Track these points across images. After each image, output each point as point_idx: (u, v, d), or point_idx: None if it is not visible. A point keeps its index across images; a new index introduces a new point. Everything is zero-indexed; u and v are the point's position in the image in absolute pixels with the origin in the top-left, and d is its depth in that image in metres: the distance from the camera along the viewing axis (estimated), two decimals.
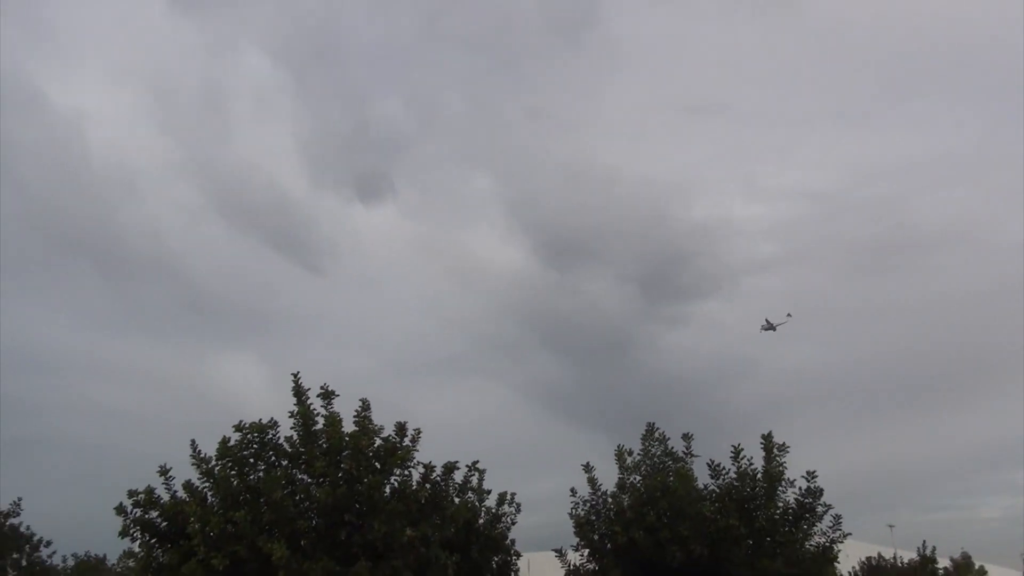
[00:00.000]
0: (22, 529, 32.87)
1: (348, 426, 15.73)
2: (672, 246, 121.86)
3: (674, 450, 18.44)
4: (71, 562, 38.25)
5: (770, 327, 51.67)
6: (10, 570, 32.32)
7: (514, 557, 17.49)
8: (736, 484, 17.35)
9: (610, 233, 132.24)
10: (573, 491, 18.38)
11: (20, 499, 31.54)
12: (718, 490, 17.48)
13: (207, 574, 13.79)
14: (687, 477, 17.30)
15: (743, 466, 17.56)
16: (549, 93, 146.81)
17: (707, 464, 17.88)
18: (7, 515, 31.20)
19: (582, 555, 17.89)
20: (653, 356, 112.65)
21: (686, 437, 18.41)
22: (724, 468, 17.73)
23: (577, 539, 17.88)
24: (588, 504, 18.19)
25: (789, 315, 51.82)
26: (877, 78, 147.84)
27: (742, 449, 17.67)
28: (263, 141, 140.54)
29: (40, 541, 33.56)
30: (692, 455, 18.21)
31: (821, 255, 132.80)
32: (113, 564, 39.20)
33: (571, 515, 18.12)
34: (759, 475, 17.33)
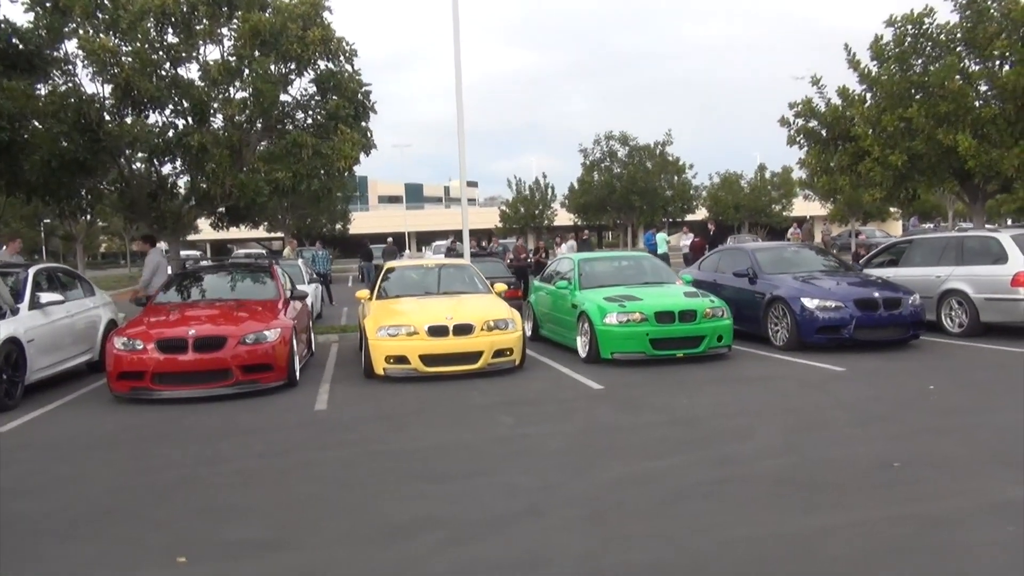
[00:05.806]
0: (670, 158, 39.10)
1: None
2: None
3: None
4: (716, 180, 44.77)
5: None
6: (666, 188, 39.17)
7: None
8: None
9: None
10: None
11: (670, 130, 38.20)
12: None
13: (884, 171, 14.14)
14: None
15: None
16: None
17: None
18: (664, 144, 37.72)
19: None
20: None
21: None
22: None
23: None
24: None
25: None
26: None
27: None
28: None
29: (685, 165, 39.59)
30: None
31: None
32: (751, 178, 44.28)
33: None
34: None
